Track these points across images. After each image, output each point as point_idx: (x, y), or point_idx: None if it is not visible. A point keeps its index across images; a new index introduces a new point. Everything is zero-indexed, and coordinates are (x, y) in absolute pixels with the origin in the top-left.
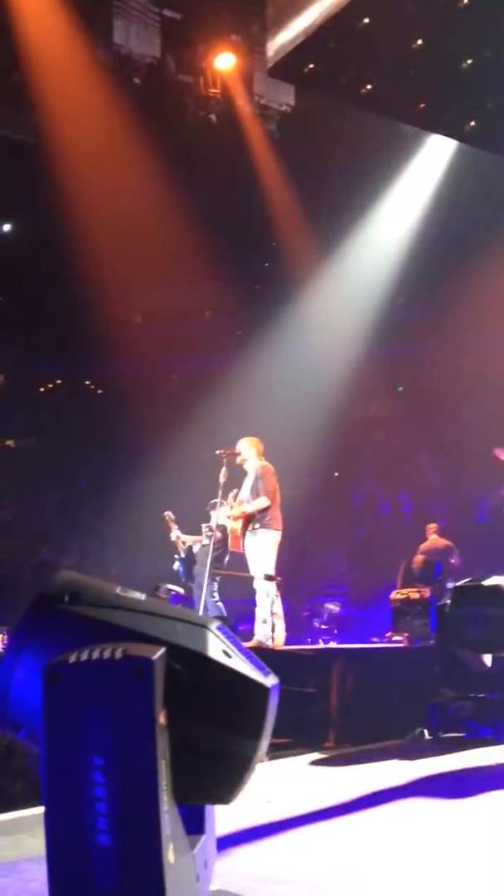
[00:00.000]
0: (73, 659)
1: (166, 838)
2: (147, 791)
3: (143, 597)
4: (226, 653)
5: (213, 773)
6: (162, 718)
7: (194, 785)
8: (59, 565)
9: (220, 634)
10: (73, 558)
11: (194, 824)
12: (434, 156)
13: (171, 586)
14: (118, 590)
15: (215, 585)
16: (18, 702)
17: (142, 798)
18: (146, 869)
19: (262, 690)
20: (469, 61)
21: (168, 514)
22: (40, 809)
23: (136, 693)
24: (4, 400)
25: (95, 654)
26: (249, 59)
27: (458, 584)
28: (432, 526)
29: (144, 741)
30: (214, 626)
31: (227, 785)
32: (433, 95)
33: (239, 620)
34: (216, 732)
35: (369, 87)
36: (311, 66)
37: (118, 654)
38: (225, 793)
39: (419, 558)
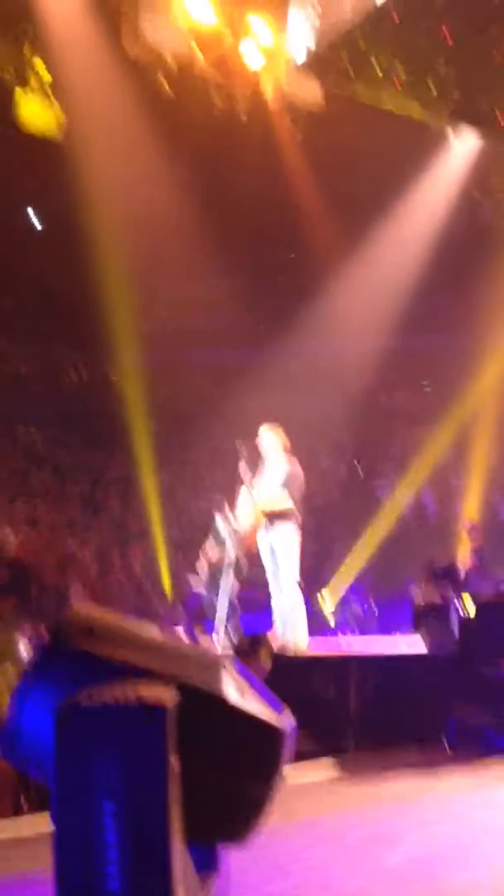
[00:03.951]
0: (84, 701)
1: (177, 883)
2: (159, 838)
3: (157, 632)
4: (239, 692)
5: (226, 816)
6: (174, 763)
7: (207, 827)
8: (84, 560)
9: (233, 672)
10: (97, 553)
11: (208, 861)
12: (461, 149)
13: (195, 585)
14: (133, 625)
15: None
16: (29, 738)
17: (153, 845)
18: None
19: (277, 735)
20: (498, 58)
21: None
22: None
23: (148, 738)
24: (27, 390)
25: (108, 698)
26: (278, 56)
27: (483, 597)
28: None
29: (156, 787)
30: (228, 663)
31: (240, 826)
32: (463, 90)
33: (261, 620)
34: (229, 775)
35: (398, 85)
36: (339, 64)
37: (131, 697)
38: (238, 834)
39: (443, 560)
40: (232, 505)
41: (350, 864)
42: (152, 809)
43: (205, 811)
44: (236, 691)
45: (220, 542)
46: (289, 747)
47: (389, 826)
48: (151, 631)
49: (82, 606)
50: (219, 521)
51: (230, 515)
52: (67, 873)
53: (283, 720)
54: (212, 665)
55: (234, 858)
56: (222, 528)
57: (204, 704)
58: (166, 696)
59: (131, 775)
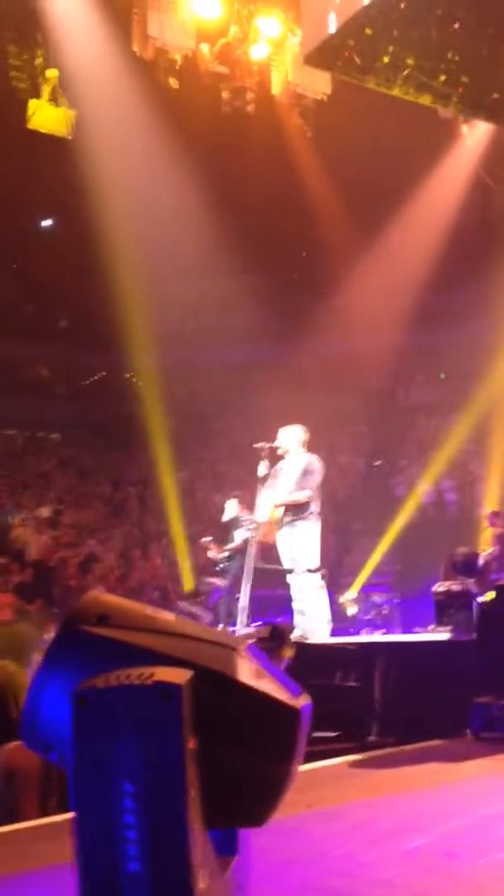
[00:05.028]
0: (101, 684)
1: (196, 865)
2: (177, 818)
3: (172, 617)
4: (256, 674)
5: (244, 798)
6: (191, 744)
7: (224, 809)
8: (106, 561)
9: (249, 655)
10: (119, 553)
11: (227, 845)
12: (472, 138)
13: (213, 580)
14: (148, 611)
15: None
16: (48, 724)
17: (171, 825)
18: None
19: (293, 714)
20: None
21: (203, 540)
22: None
23: (164, 719)
24: (48, 393)
25: (124, 679)
26: (284, 48)
27: (499, 581)
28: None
29: (174, 768)
30: (243, 646)
31: (257, 808)
32: (472, 79)
33: (280, 612)
34: (246, 757)
35: (406, 73)
36: (347, 53)
37: (147, 679)
38: (256, 816)
39: (463, 549)
40: (247, 497)
41: (375, 853)
42: (170, 789)
43: (223, 794)
44: (252, 674)
45: (232, 529)
46: (305, 729)
47: (412, 813)
48: (166, 616)
49: (96, 593)
50: (230, 507)
51: (239, 506)
52: (89, 856)
53: (300, 702)
54: (227, 648)
55: (257, 847)
56: (234, 515)
57: (220, 687)
58: (181, 677)
59: (148, 755)
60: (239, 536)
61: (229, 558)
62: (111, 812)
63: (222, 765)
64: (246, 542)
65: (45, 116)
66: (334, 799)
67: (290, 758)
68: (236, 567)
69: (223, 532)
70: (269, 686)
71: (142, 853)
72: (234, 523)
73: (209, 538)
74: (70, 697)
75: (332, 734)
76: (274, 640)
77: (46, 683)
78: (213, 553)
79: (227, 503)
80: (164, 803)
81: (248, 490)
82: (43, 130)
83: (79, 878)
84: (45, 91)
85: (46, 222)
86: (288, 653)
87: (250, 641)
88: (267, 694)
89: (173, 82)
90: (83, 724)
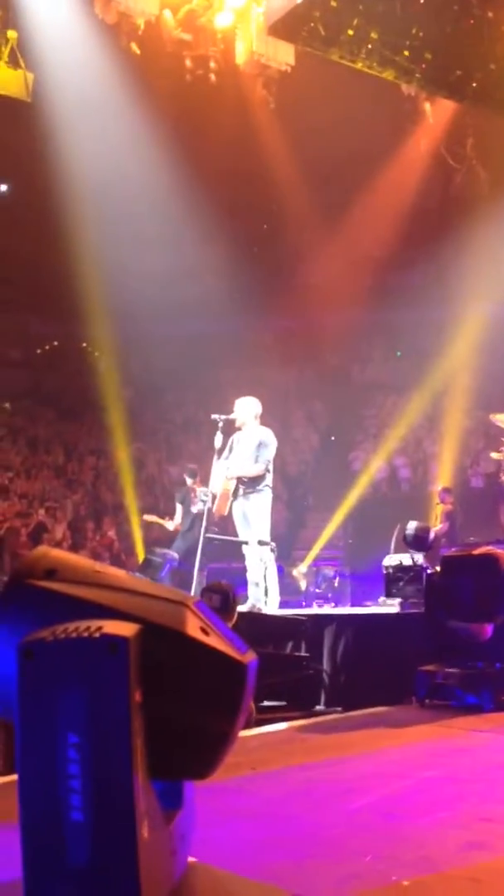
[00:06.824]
0: (48, 636)
1: (140, 815)
2: (121, 768)
3: (122, 573)
4: (203, 630)
5: (189, 750)
6: (137, 696)
7: (169, 761)
8: (56, 529)
9: (197, 611)
10: (69, 522)
11: (172, 798)
12: (435, 116)
13: (166, 550)
14: (97, 566)
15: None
16: None
17: (116, 775)
18: (119, 846)
19: (239, 668)
20: (471, 21)
21: (146, 517)
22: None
23: (111, 671)
24: (1, 362)
25: (71, 632)
26: (249, 18)
27: (447, 553)
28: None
29: (119, 719)
30: (192, 602)
31: (202, 761)
32: (435, 55)
33: (234, 584)
34: (192, 710)
35: (370, 46)
36: (312, 24)
37: (94, 631)
38: (200, 769)
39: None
40: (203, 472)
41: (316, 813)
42: (115, 741)
43: (169, 746)
44: (200, 629)
45: (186, 507)
46: (251, 684)
47: (355, 776)
48: (116, 571)
49: (46, 548)
50: (188, 484)
51: (197, 484)
52: (32, 806)
53: (247, 657)
54: (176, 604)
55: (202, 810)
56: (191, 492)
57: (168, 640)
58: (129, 630)
59: (94, 707)
60: (183, 509)
61: (190, 528)
62: (55, 763)
63: (169, 717)
64: (200, 513)
65: (3, 78)
66: (279, 762)
67: (236, 711)
68: (192, 539)
69: (173, 503)
70: (217, 641)
71: (85, 803)
72: (183, 495)
73: (152, 516)
74: (16, 650)
75: (281, 703)
76: (223, 608)
77: None
78: (171, 523)
79: (186, 475)
80: (109, 754)
81: (202, 462)
82: (1, 92)
83: (21, 828)
84: (4, 53)
85: (3, 187)
86: (233, 620)
87: (199, 598)
88: (214, 648)
89: (135, 48)
90: (29, 676)
